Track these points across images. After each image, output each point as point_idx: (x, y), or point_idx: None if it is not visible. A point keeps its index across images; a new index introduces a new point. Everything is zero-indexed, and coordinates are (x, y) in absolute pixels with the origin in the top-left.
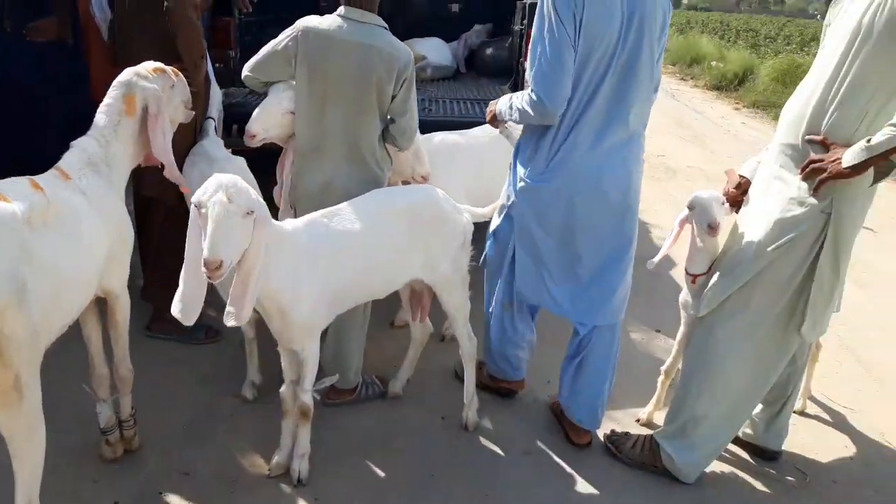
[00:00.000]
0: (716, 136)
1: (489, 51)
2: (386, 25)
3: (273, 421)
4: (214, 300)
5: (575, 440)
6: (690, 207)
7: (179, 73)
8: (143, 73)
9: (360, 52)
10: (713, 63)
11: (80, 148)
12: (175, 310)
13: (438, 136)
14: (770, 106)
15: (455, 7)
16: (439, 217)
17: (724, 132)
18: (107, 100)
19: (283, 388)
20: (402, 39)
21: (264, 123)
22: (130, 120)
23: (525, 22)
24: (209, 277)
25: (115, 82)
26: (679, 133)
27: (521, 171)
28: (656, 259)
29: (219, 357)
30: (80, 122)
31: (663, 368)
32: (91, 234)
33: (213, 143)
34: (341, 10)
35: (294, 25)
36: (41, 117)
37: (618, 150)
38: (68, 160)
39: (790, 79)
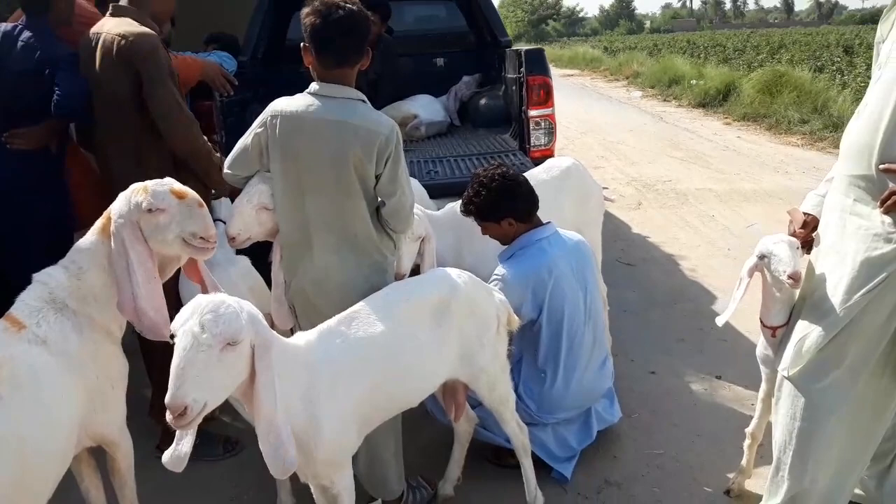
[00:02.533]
0: (715, 153)
1: (483, 101)
2: (364, 98)
3: None
4: (226, 404)
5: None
6: (762, 256)
7: (188, 195)
8: (138, 188)
9: (333, 130)
10: (693, 81)
11: (41, 283)
12: (164, 457)
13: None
14: (760, 117)
15: (440, 61)
16: (468, 303)
17: (722, 149)
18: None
19: None
20: (389, 102)
21: (239, 224)
22: (104, 244)
23: (523, 70)
24: (173, 425)
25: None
26: (677, 155)
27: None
28: (726, 316)
29: (242, 474)
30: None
31: (749, 431)
32: (57, 393)
33: None
34: (313, 86)
35: (265, 111)
36: (22, 228)
37: None
38: (22, 303)
39: (776, 88)
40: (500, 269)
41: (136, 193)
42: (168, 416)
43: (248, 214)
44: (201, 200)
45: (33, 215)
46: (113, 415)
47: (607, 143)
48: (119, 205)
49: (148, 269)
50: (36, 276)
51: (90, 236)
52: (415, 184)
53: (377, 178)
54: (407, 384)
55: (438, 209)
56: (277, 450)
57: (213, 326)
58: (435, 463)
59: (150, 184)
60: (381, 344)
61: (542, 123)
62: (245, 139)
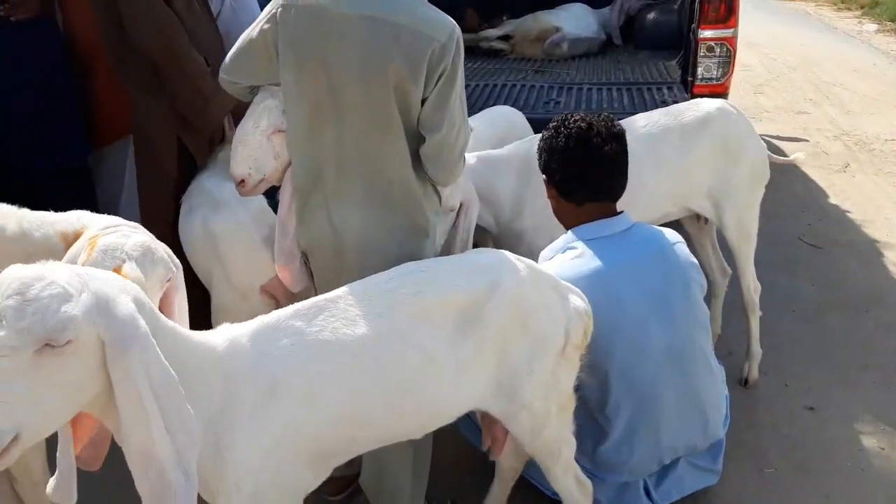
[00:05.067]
0: None
1: (652, 16)
2: None
3: None
4: None
5: None
6: None
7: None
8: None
9: (366, 32)
10: None
11: None
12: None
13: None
14: None
15: None
16: (516, 308)
17: None
18: None
19: None
20: (528, 11)
21: (246, 160)
22: None
23: None
24: None
25: None
26: None
27: None
28: None
29: None
30: None
31: None
32: None
33: (215, 178)
34: None
35: None
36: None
37: None
38: None
39: None
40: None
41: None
42: None
43: (258, 144)
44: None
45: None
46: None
47: (820, 84)
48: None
49: None
50: None
51: None
52: (511, 112)
53: (422, 102)
54: (398, 415)
55: None
56: (162, 498)
57: (16, 318)
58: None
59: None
60: (357, 353)
61: (717, 49)
62: (249, 34)
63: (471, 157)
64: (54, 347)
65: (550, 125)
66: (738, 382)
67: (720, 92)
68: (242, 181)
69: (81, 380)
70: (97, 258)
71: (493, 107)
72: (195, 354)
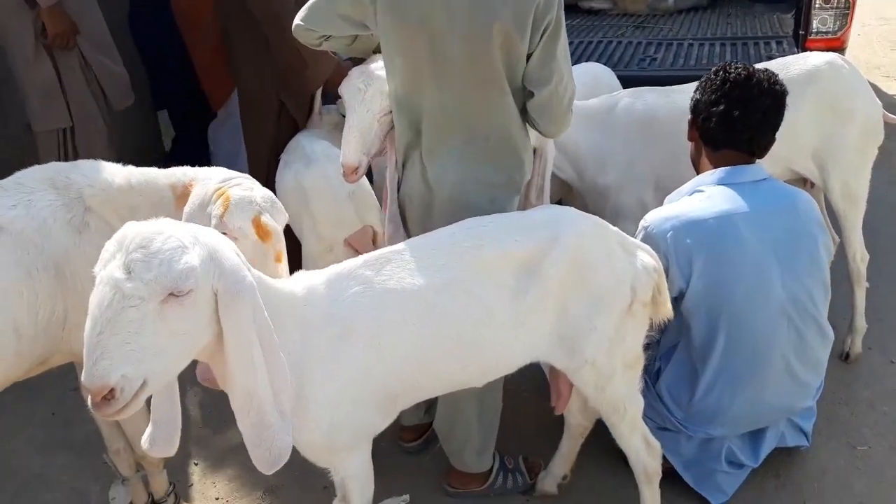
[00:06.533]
0: None
1: None
2: None
3: None
4: None
5: None
6: None
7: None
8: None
9: None
10: None
11: None
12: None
13: (625, 99)
14: None
15: None
16: (575, 262)
17: None
18: None
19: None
20: None
21: (360, 147)
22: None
23: None
24: (99, 413)
25: None
26: None
27: None
28: None
29: None
30: None
31: None
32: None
33: (311, 137)
34: None
35: None
36: None
37: None
38: None
39: None
40: (652, 214)
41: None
42: (89, 401)
43: (370, 129)
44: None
45: None
46: None
47: None
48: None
49: None
50: None
51: None
52: (599, 69)
53: (528, 57)
54: (459, 362)
55: None
56: (261, 435)
57: (144, 270)
58: (549, 439)
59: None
60: (421, 302)
61: (833, 0)
62: None
63: None
64: (177, 297)
65: (713, 69)
66: (839, 357)
67: (836, 47)
68: (354, 170)
69: (198, 328)
70: (234, 210)
71: (581, 63)
72: (282, 301)
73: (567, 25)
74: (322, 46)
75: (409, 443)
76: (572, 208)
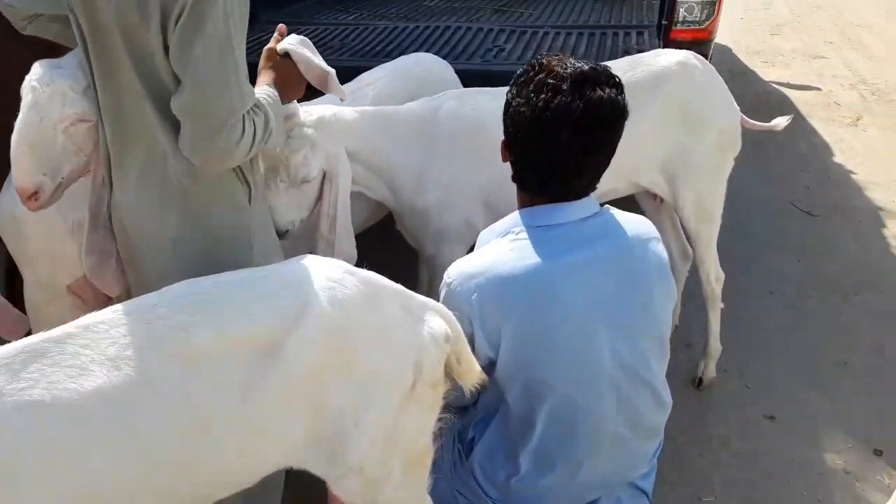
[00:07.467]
0: None
1: None
2: None
3: None
4: None
5: None
6: None
7: None
8: None
9: None
10: None
11: None
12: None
13: (448, 103)
14: None
15: None
16: (331, 338)
17: None
18: None
19: None
20: None
21: (33, 164)
22: None
23: None
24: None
25: None
26: None
27: None
28: None
29: None
30: None
31: None
32: None
33: None
34: None
35: None
36: None
37: None
38: None
39: None
40: (456, 267)
41: None
42: None
43: (50, 142)
44: None
45: None
46: None
47: (843, 27)
48: None
49: None
50: None
51: None
52: (432, 61)
53: (167, 50)
54: (164, 495)
55: None
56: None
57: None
58: None
59: None
60: (86, 419)
61: None
62: None
63: (349, 113)
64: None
65: (517, 73)
66: (692, 383)
67: (702, 38)
68: (33, 194)
69: None
70: None
71: (412, 54)
72: None
73: (412, 7)
74: (27, 30)
75: None
76: (332, 259)
